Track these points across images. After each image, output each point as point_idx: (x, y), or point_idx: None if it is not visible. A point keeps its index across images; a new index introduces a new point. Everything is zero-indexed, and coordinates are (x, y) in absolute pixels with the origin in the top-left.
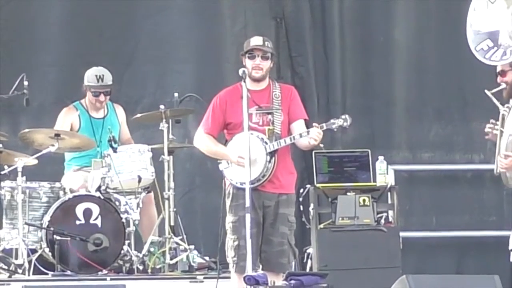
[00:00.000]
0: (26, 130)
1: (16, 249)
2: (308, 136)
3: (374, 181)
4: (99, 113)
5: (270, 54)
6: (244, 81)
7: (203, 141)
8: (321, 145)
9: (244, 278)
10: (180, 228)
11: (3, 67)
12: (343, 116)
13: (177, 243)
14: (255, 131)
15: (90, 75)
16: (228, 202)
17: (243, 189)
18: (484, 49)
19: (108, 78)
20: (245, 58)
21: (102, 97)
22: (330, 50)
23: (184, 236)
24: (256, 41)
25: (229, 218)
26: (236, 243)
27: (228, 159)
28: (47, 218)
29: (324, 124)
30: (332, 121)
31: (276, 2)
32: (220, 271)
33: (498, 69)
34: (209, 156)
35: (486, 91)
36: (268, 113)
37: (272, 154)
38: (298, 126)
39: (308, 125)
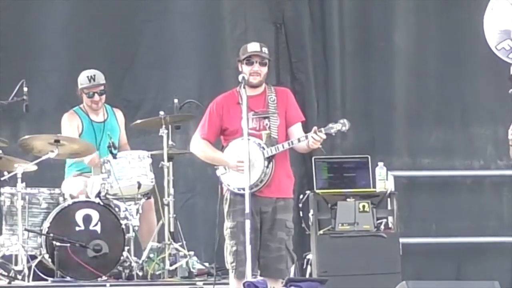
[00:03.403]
0: (26, 136)
1: (16, 255)
2: (308, 139)
3: (374, 187)
4: (99, 117)
5: (267, 60)
6: (244, 87)
7: (199, 147)
8: (320, 146)
9: (243, 284)
10: (180, 234)
11: (3, 73)
12: (341, 121)
13: (176, 249)
14: (252, 136)
15: (82, 77)
16: (225, 208)
17: (241, 195)
18: (506, 48)
19: (100, 77)
20: (243, 64)
21: (96, 97)
22: (330, 55)
23: (184, 242)
24: (253, 47)
25: (227, 224)
26: (234, 248)
27: (225, 165)
28: (46, 224)
29: (322, 129)
30: (330, 125)
31: (276, 7)
32: (219, 276)
33: None
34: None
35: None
36: (265, 118)
37: (269, 159)
38: (296, 130)
39: (306, 127)
